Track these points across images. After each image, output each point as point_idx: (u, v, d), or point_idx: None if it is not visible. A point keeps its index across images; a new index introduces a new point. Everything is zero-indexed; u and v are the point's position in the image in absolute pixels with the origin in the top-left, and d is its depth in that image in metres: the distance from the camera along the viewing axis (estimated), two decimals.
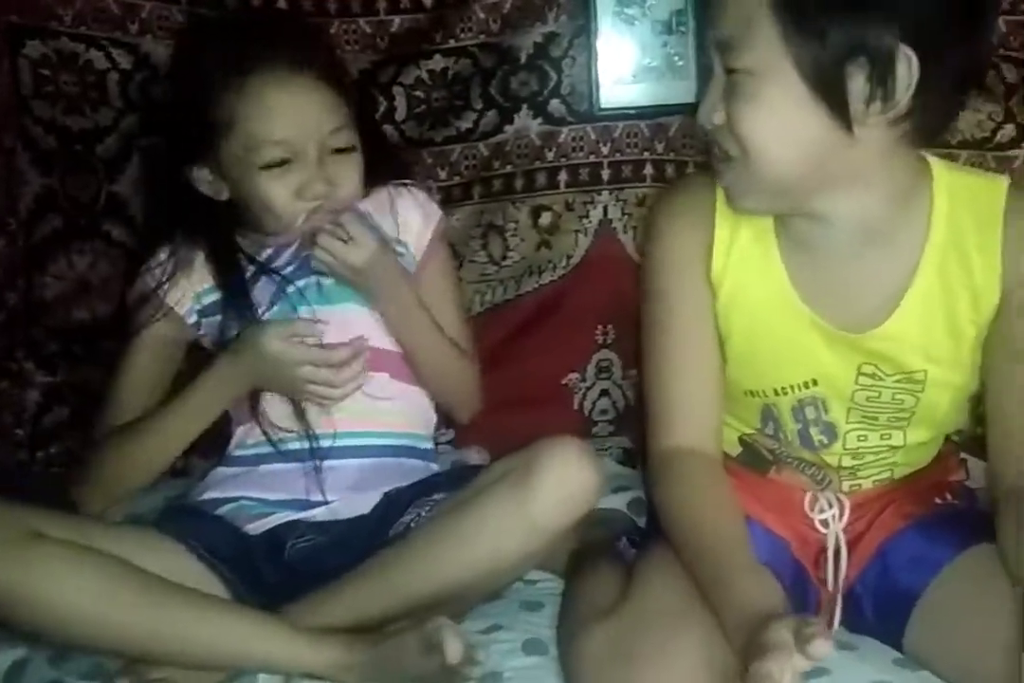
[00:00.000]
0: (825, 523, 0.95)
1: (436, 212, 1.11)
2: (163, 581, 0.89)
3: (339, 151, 1.02)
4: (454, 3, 1.23)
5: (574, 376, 1.32)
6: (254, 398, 1.04)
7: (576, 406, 1.32)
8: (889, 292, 0.88)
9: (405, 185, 1.11)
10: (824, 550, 0.95)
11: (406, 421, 1.08)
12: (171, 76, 1.15)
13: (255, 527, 1.01)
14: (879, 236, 0.87)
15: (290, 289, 1.05)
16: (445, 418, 1.16)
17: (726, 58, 0.81)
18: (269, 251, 1.07)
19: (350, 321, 1.05)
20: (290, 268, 1.06)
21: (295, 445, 1.04)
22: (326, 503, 1.02)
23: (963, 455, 1.04)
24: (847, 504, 0.95)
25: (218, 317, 1.05)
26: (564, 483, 0.87)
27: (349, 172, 1.02)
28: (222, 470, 1.07)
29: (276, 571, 0.99)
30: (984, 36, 0.82)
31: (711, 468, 0.93)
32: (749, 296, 0.91)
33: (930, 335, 0.88)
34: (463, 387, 1.12)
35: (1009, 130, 1.20)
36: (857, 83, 0.77)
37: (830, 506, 0.95)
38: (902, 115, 0.79)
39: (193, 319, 1.07)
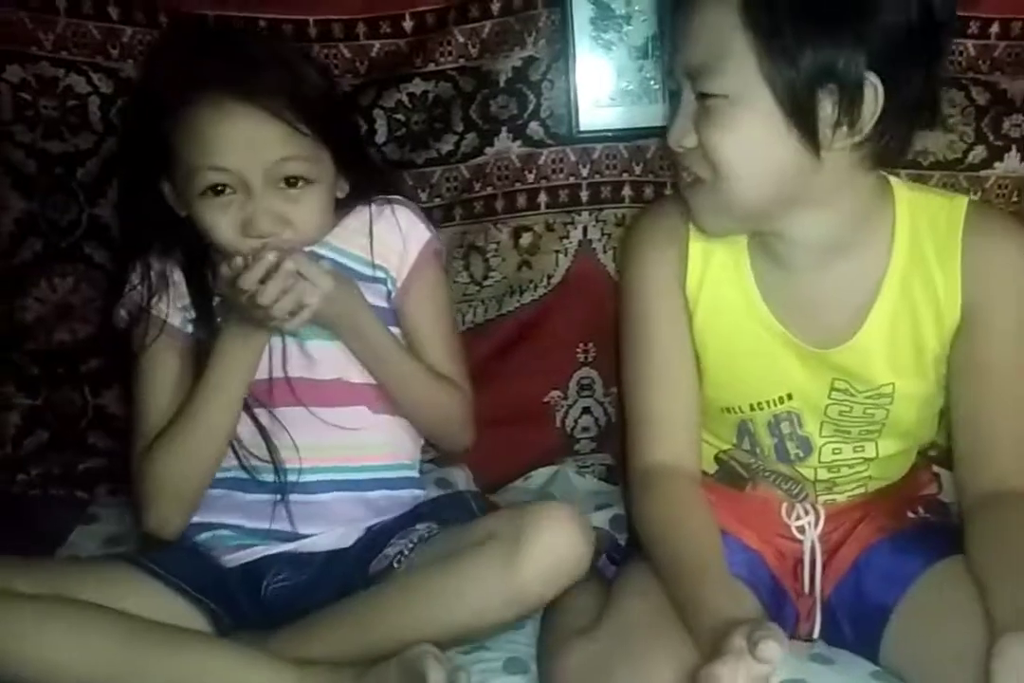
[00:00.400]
0: (802, 530, 0.97)
1: (423, 233, 1.06)
2: (142, 623, 0.88)
3: (293, 184, 0.95)
4: (434, 28, 1.24)
5: (556, 394, 1.32)
6: None
7: (558, 424, 1.33)
8: (856, 308, 0.90)
9: (390, 203, 1.06)
10: (800, 561, 0.96)
11: (389, 452, 1.06)
12: (132, 90, 1.15)
13: (231, 559, 1.00)
14: (843, 254, 0.89)
15: None
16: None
17: (698, 83, 0.82)
18: None
19: (323, 357, 1.02)
20: None
21: (268, 477, 1.02)
22: (305, 536, 1.01)
23: (936, 469, 1.05)
24: (823, 513, 0.97)
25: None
26: (552, 555, 0.86)
27: (304, 208, 0.96)
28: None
29: (253, 606, 0.98)
30: (941, 63, 0.85)
31: (689, 485, 0.95)
32: (724, 315, 0.93)
33: (896, 349, 0.90)
34: (449, 420, 1.07)
35: (980, 151, 1.22)
36: (826, 109, 0.80)
37: (806, 514, 0.97)
38: (864, 140, 0.81)
39: (190, 329, 1.03)
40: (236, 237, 0.95)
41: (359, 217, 1.05)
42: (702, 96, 0.82)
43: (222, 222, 0.95)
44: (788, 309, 0.91)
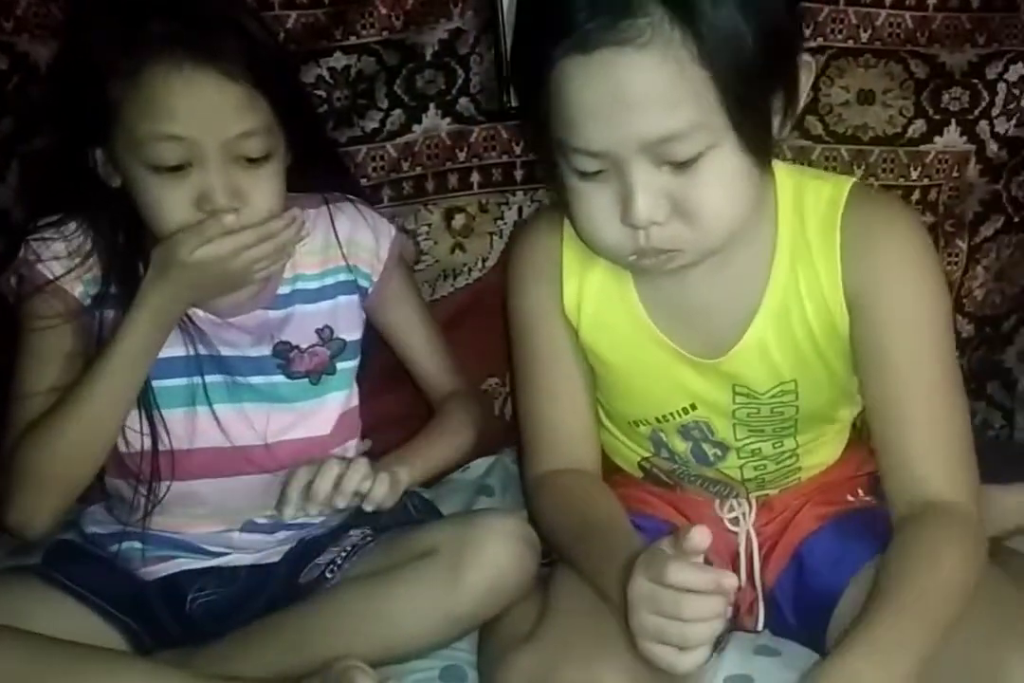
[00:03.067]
0: (735, 521, 0.95)
1: (389, 230, 1.03)
2: (48, 641, 0.83)
3: (251, 160, 0.88)
4: None
5: (494, 381, 1.29)
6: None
7: (497, 412, 1.30)
8: (741, 312, 0.87)
9: (349, 200, 1.01)
10: (737, 552, 0.95)
11: None
12: (64, 39, 1.01)
13: (149, 572, 0.95)
14: (730, 255, 0.85)
15: (238, 379, 0.94)
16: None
17: (670, 153, 0.74)
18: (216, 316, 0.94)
19: (313, 418, 0.97)
20: (245, 351, 0.95)
21: None
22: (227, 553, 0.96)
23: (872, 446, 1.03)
24: (755, 504, 0.96)
25: (112, 313, 0.92)
26: (496, 578, 0.84)
27: (262, 184, 0.88)
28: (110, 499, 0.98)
29: (176, 622, 0.94)
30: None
31: (587, 477, 0.94)
32: (610, 331, 0.91)
33: (790, 346, 0.87)
34: (479, 438, 1.06)
35: (920, 125, 1.21)
36: (778, 115, 0.78)
37: (739, 505, 0.96)
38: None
39: (89, 303, 0.93)
40: (187, 212, 0.86)
41: (312, 206, 0.98)
42: (673, 165, 0.75)
43: (172, 196, 0.86)
44: (675, 321, 0.89)
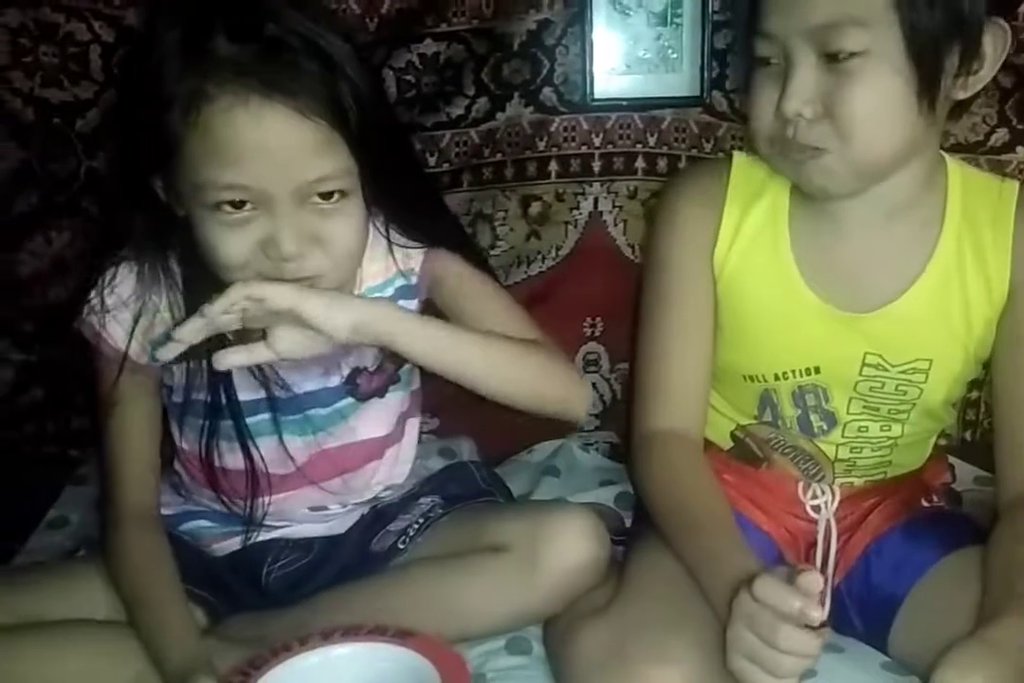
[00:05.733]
0: (817, 509, 0.96)
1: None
2: (114, 631, 0.85)
3: (327, 197, 0.78)
4: None
5: None
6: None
7: None
8: (902, 274, 0.88)
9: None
10: (814, 543, 0.95)
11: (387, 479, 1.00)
12: (126, 61, 0.92)
13: (220, 548, 0.96)
14: (900, 217, 0.87)
15: (309, 413, 0.92)
16: (429, 406, 1.11)
17: (830, 43, 0.78)
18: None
19: (375, 423, 0.95)
20: (317, 384, 0.91)
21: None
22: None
23: (951, 459, 1.05)
24: (838, 494, 0.96)
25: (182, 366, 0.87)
26: (570, 574, 0.84)
27: (339, 226, 0.78)
28: (174, 477, 0.97)
29: (252, 593, 0.95)
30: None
31: (694, 450, 0.94)
32: (753, 280, 0.91)
33: (940, 321, 0.89)
34: (557, 381, 0.89)
35: (1002, 134, 1.20)
36: (953, 59, 0.79)
37: (823, 493, 0.96)
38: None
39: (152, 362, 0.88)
40: (250, 253, 0.77)
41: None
42: (830, 58, 0.78)
43: (235, 238, 0.77)
44: (826, 273, 0.89)
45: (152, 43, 0.77)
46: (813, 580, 0.70)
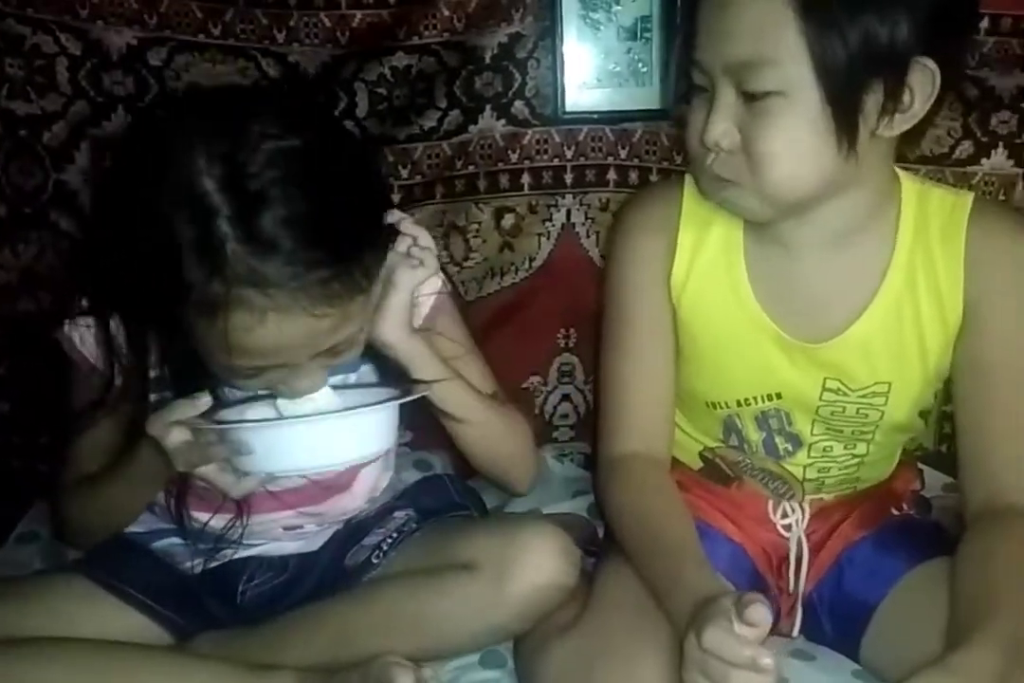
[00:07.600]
0: (788, 527, 0.97)
1: (436, 282, 0.93)
2: (95, 648, 0.85)
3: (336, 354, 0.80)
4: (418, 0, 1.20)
5: (536, 380, 1.31)
6: None
7: (537, 410, 1.32)
8: (855, 300, 0.88)
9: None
10: (785, 557, 0.96)
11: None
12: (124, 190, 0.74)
13: (194, 565, 0.95)
14: (849, 243, 0.87)
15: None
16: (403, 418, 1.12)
17: (746, 81, 0.78)
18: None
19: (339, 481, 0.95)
20: None
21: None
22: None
23: (920, 465, 1.06)
24: (808, 511, 0.97)
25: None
26: (539, 592, 0.84)
27: (354, 350, 0.82)
28: None
29: (226, 611, 0.94)
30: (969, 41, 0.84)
31: (659, 471, 0.94)
32: (711, 307, 0.91)
33: (896, 344, 0.89)
34: (521, 447, 0.97)
35: (967, 146, 1.22)
36: (876, 98, 0.77)
37: (793, 512, 0.97)
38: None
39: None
40: (255, 383, 0.80)
41: None
42: (748, 95, 0.78)
43: (249, 383, 0.80)
44: (782, 302, 0.89)
45: (157, 220, 0.69)
46: (759, 612, 0.69)
